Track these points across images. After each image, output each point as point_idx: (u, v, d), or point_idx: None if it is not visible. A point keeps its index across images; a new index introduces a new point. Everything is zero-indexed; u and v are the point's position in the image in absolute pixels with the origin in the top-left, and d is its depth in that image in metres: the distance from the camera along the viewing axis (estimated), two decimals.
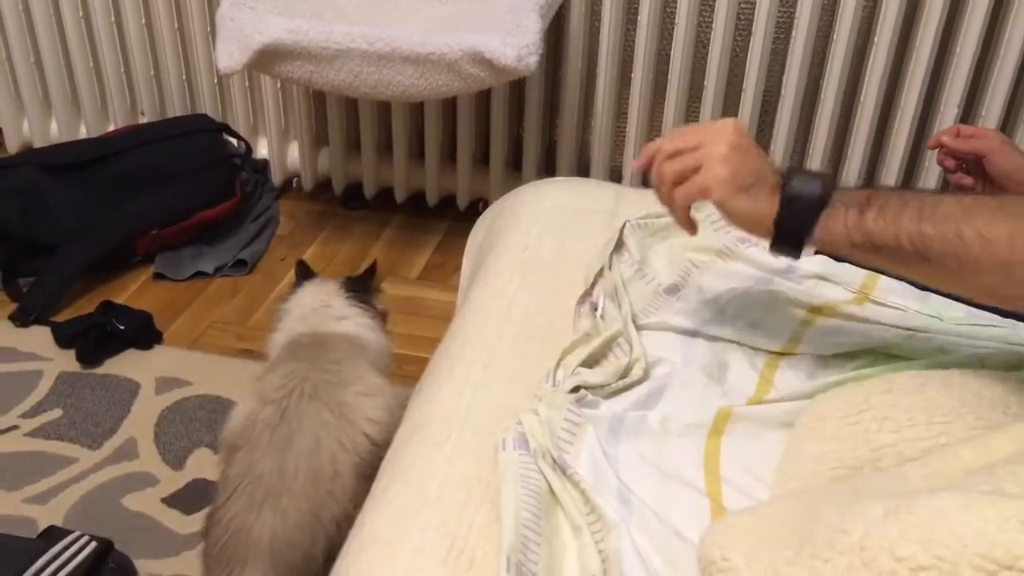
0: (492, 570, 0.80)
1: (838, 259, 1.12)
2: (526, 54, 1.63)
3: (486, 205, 2.24)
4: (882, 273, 1.14)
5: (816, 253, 1.02)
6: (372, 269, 1.50)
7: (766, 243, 1.22)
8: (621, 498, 0.87)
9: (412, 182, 2.30)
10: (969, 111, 1.99)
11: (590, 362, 1.04)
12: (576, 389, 0.98)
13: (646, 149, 1.01)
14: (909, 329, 1.08)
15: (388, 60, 1.68)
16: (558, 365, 1.03)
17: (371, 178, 2.31)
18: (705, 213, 1.31)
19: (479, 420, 0.98)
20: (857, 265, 1.07)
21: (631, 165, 1.04)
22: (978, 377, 0.95)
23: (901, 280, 1.06)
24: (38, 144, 2.40)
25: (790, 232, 0.91)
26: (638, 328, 1.10)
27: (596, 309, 1.11)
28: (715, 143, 0.94)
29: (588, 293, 1.14)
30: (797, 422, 0.96)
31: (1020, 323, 1.09)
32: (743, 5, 1.97)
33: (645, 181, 2.19)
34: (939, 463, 0.85)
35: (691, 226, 1.01)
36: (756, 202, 0.92)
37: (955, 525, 0.66)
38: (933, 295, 1.14)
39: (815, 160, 2.05)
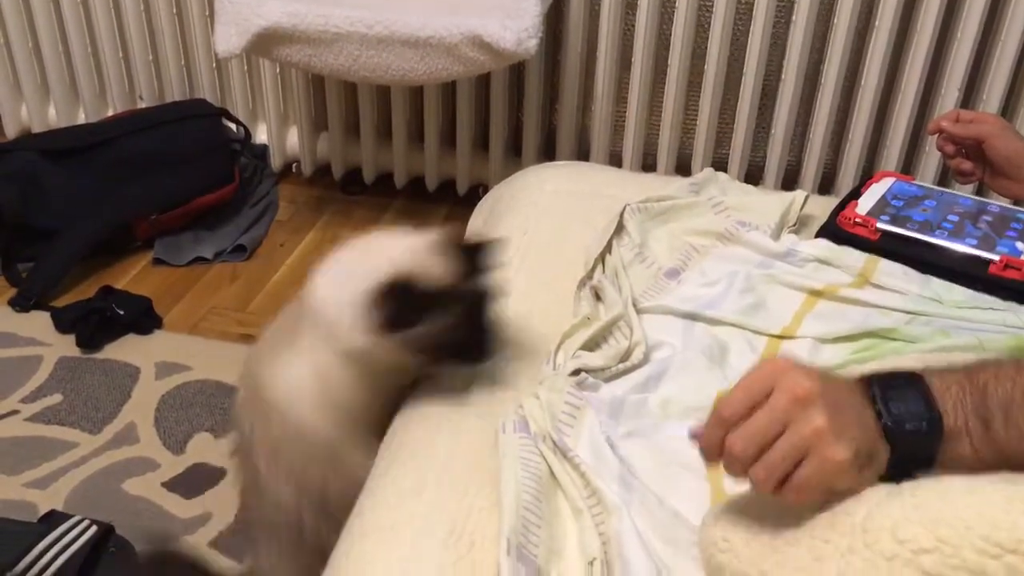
0: (492, 553, 0.80)
1: None
2: (526, 37, 1.62)
3: (486, 190, 2.23)
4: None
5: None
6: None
7: (766, 230, 1.22)
8: (622, 481, 0.87)
9: (412, 167, 2.30)
10: (970, 95, 1.98)
11: (590, 345, 1.03)
12: (577, 372, 0.98)
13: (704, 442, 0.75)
14: (910, 312, 1.08)
15: (387, 44, 1.67)
16: (558, 348, 1.03)
17: (370, 163, 2.30)
18: (707, 195, 1.32)
19: (479, 403, 0.98)
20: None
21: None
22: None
23: None
24: (36, 129, 2.39)
25: (911, 466, 0.72)
26: (638, 312, 1.10)
27: (596, 293, 1.11)
28: (798, 405, 0.70)
29: (588, 277, 1.14)
30: None
31: (1020, 306, 1.09)
32: None
33: (645, 165, 2.19)
34: None
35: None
36: (877, 468, 0.72)
37: (959, 507, 0.66)
38: (934, 279, 1.14)
39: (815, 144, 2.05)
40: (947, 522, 0.65)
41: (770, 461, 0.70)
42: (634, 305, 1.10)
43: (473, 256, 1.02)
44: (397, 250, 1.01)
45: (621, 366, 1.01)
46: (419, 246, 1.01)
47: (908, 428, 0.71)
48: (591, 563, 0.80)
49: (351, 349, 0.99)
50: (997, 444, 0.71)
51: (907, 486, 0.69)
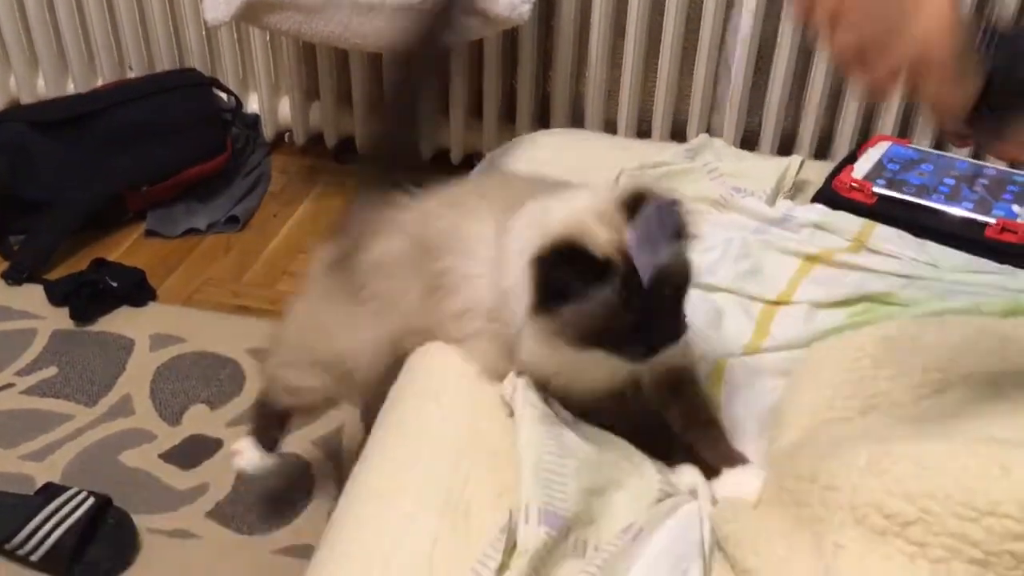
0: (489, 519, 0.80)
1: None
2: (519, 2, 1.61)
3: (480, 158, 2.21)
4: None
5: None
6: None
7: (761, 196, 1.21)
8: None
9: None
10: None
11: None
12: None
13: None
14: (906, 276, 1.08)
15: (378, 10, 1.65)
16: None
17: (364, 132, 2.28)
18: (703, 161, 1.31)
19: (472, 373, 0.98)
20: None
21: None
22: (974, 324, 0.95)
23: None
24: (25, 100, 2.36)
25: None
26: None
27: None
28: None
29: None
30: (794, 370, 0.96)
31: (1016, 269, 1.08)
32: None
33: (640, 132, 2.17)
34: (935, 407, 0.86)
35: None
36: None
37: (936, 475, 0.67)
38: (930, 243, 1.14)
39: (811, 109, 2.03)
40: (928, 493, 0.67)
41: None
42: None
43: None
44: (562, 212, 0.86)
45: None
46: (588, 207, 0.85)
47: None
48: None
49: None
50: None
51: (884, 454, 0.70)
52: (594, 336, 0.83)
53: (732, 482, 0.86)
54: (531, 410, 0.86)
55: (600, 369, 0.86)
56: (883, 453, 0.72)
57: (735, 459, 0.87)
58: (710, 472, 0.87)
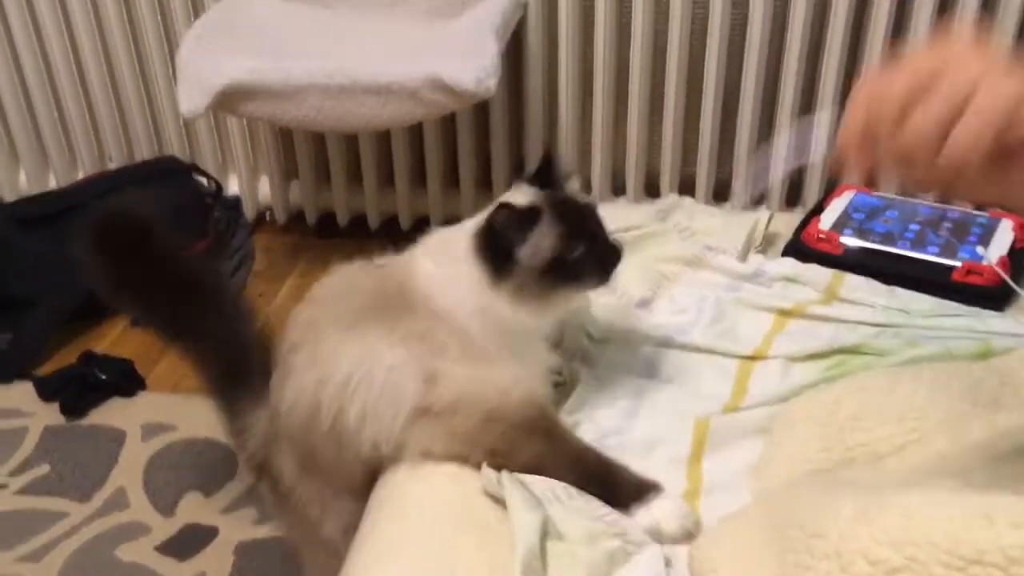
0: None
1: None
2: (485, 77, 1.64)
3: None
4: None
5: None
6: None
7: (733, 252, 1.23)
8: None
9: (384, 207, 2.31)
10: None
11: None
12: None
13: (848, 140, 0.66)
14: (878, 325, 1.10)
15: (349, 92, 1.69)
16: None
17: (343, 206, 2.31)
18: (673, 222, 1.34)
19: None
20: None
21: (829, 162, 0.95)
22: (946, 370, 0.96)
23: None
24: (8, 197, 2.40)
25: None
26: (609, 340, 1.12)
27: None
28: (963, 57, 0.62)
29: None
30: (772, 426, 0.98)
31: (985, 311, 1.11)
32: (696, 10, 1.99)
33: (615, 187, 2.21)
34: (913, 457, 0.87)
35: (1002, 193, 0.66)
36: None
37: (922, 524, 0.68)
38: (899, 289, 1.16)
39: (779, 158, 2.07)
40: (914, 541, 0.67)
41: (934, 108, 0.60)
42: (591, 337, 1.11)
43: (545, 179, 1.03)
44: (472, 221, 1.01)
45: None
46: (504, 198, 1.00)
47: None
48: None
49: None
50: None
51: (872, 504, 0.71)
52: (555, 268, 0.97)
53: (650, 517, 0.88)
54: (519, 493, 0.87)
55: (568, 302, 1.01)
56: (869, 502, 0.74)
57: (645, 490, 0.90)
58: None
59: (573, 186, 1.06)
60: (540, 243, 0.97)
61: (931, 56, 0.62)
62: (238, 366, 1.13)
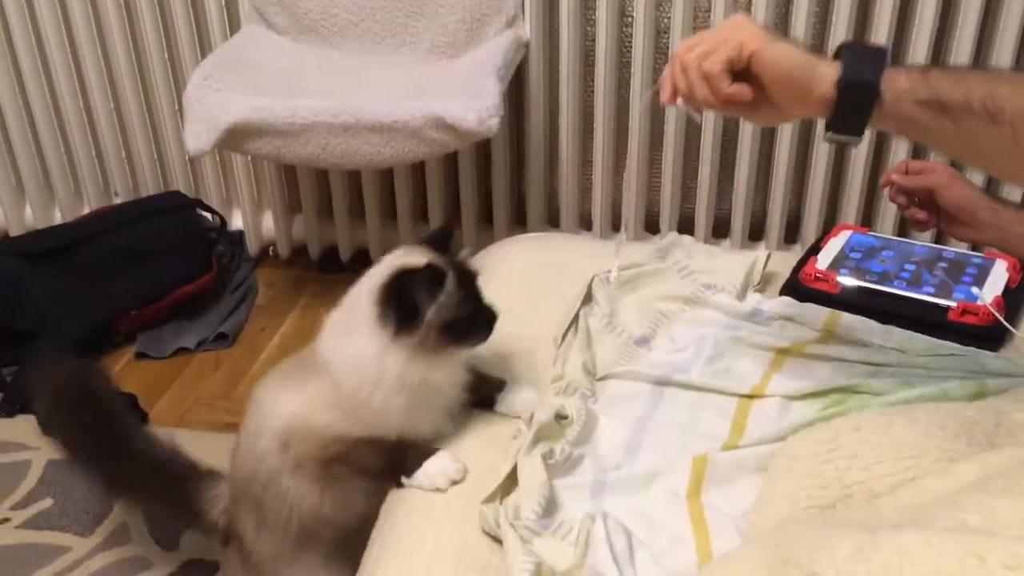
0: None
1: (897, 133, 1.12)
2: (487, 117, 1.67)
3: None
4: (935, 148, 1.05)
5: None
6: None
7: (731, 291, 1.25)
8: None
9: (386, 243, 2.33)
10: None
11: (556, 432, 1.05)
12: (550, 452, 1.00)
13: (663, 77, 0.97)
14: (874, 365, 1.11)
15: (354, 131, 1.72)
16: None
17: (346, 241, 2.34)
18: (673, 260, 1.36)
19: (462, 487, 1.01)
20: (912, 138, 0.98)
21: (658, 96, 0.98)
22: (941, 410, 0.98)
23: (950, 151, 0.98)
24: (14, 231, 2.42)
25: (858, 86, 0.86)
26: (609, 377, 1.14)
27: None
28: (730, 23, 0.92)
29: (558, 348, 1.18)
30: (770, 464, 0.99)
31: (980, 351, 1.12)
32: None
33: (615, 224, 2.23)
34: (909, 495, 0.88)
35: (729, 105, 0.94)
36: (801, 55, 0.89)
37: (917, 563, 0.69)
38: (896, 328, 1.18)
39: (777, 196, 2.10)
40: None
41: (698, 49, 0.92)
42: (591, 373, 1.13)
43: (440, 246, 1.14)
44: (378, 273, 1.09)
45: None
46: (397, 258, 1.10)
47: (848, 43, 0.89)
48: None
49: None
50: (931, 86, 0.84)
51: (867, 543, 0.72)
52: (450, 328, 1.05)
53: (506, 403, 1.10)
54: (514, 534, 0.88)
55: (449, 371, 1.09)
56: (865, 541, 0.75)
57: (500, 383, 1.12)
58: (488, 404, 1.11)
59: (465, 255, 1.17)
60: (446, 303, 1.05)
61: (709, 32, 0.94)
62: (176, 481, 1.34)
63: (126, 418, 1.41)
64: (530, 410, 1.06)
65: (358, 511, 1.15)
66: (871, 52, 0.88)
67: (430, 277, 1.04)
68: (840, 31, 1.92)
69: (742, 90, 0.92)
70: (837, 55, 0.89)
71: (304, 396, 1.12)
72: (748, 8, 1.96)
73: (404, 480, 1.06)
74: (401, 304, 1.04)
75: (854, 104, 0.87)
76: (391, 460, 1.08)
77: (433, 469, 1.04)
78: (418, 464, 1.05)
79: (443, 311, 1.05)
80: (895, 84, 0.86)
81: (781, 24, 1.98)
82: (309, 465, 1.13)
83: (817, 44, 1.98)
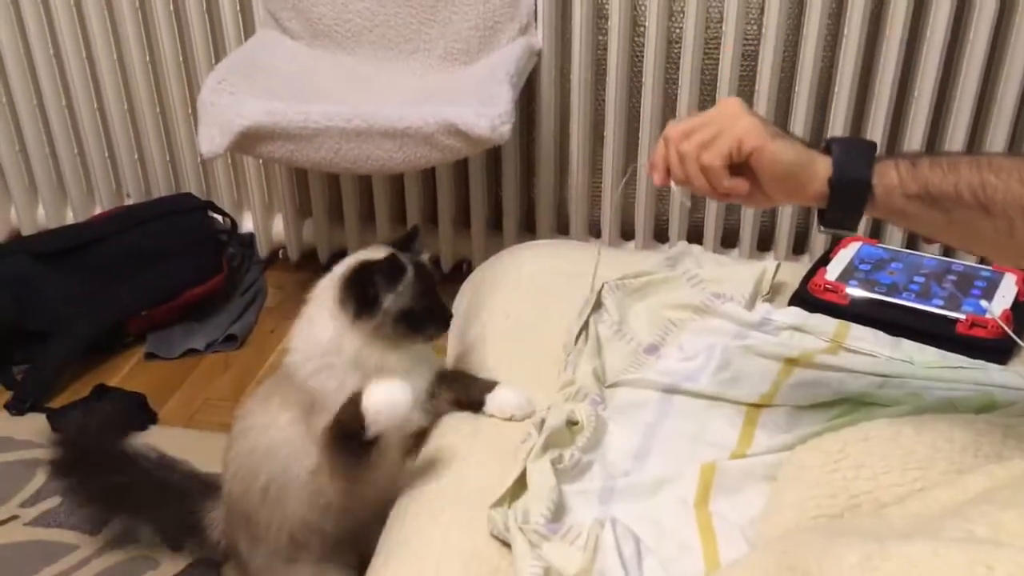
0: None
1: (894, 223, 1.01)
2: (499, 124, 1.68)
3: (470, 266, 2.28)
4: (928, 239, 1.07)
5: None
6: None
7: (740, 301, 1.25)
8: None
9: None
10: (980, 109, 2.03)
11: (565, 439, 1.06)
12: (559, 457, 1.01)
13: (654, 158, 0.96)
14: (883, 376, 1.12)
15: (366, 136, 1.73)
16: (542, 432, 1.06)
17: (356, 245, 2.34)
18: (682, 269, 1.36)
19: (471, 492, 1.01)
20: (906, 227, 0.98)
21: (650, 177, 0.99)
22: (950, 422, 0.98)
23: (945, 240, 0.95)
24: (26, 231, 2.44)
25: (850, 184, 0.87)
26: (618, 384, 1.14)
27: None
28: (724, 111, 0.92)
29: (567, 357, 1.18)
30: (778, 473, 0.99)
31: (988, 364, 1.13)
32: (707, 62, 2.03)
33: (624, 233, 2.24)
34: (917, 506, 0.89)
35: (728, 196, 0.94)
36: (797, 151, 0.89)
37: (925, 573, 0.69)
38: (904, 340, 1.18)
39: (786, 207, 2.10)
40: None
41: (695, 139, 0.91)
42: (602, 381, 1.14)
43: (406, 246, 1.23)
44: (342, 266, 1.19)
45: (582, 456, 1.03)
46: (361, 254, 1.20)
47: (837, 139, 0.90)
48: None
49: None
50: (921, 179, 0.85)
51: (875, 552, 0.72)
52: (406, 318, 1.14)
53: (496, 404, 1.13)
54: (523, 538, 0.89)
55: (407, 361, 1.15)
56: (873, 550, 0.75)
57: (489, 384, 1.15)
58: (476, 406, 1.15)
59: (426, 259, 1.25)
60: (403, 294, 1.15)
61: (704, 112, 0.93)
62: (180, 504, 1.43)
63: (136, 458, 1.51)
64: (513, 412, 1.12)
65: (346, 520, 1.22)
66: (861, 147, 0.89)
67: (390, 268, 1.14)
68: (846, 83, 1.93)
69: (740, 186, 0.92)
70: (827, 149, 0.90)
71: (285, 411, 1.19)
72: (759, 20, 1.97)
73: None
74: (362, 291, 1.12)
75: (847, 201, 0.88)
76: (348, 417, 1.10)
77: (503, 399, 1.14)
78: (486, 389, 1.15)
79: (400, 301, 1.14)
80: (885, 180, 0.86)
81: (788, 80, 1.99)
82: (298, 477, 1.19)
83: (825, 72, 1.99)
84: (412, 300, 1.15)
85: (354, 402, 1.07)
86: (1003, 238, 0.83)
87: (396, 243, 1.23)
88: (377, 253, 1.19)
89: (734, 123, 0.90)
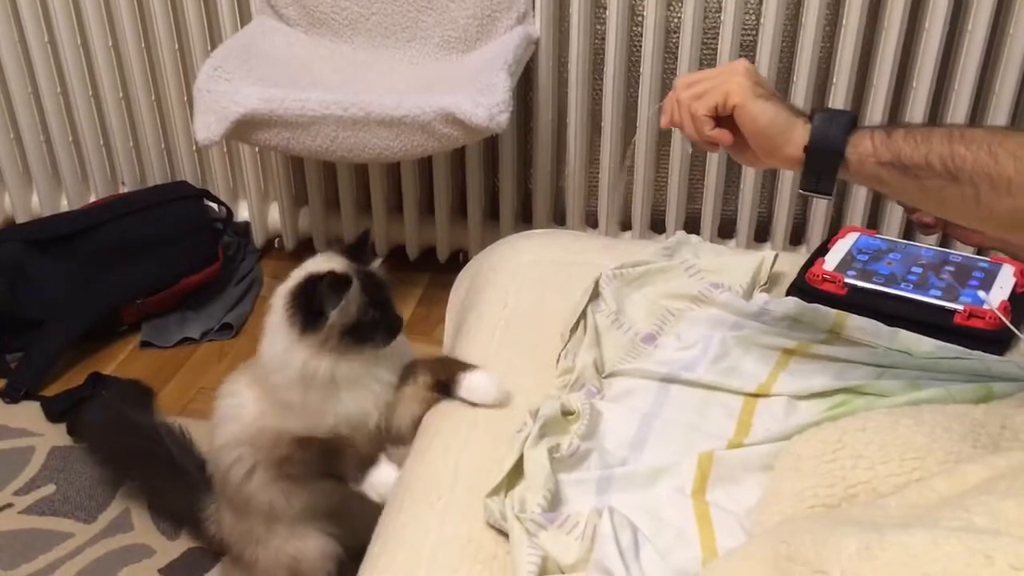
0: None
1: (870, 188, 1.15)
2: (497, 112, 1.67)
3: (466, 256, 2.27)
4: (902, 203, 1.12)
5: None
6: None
7: (738, 291, 1.25)
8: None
9: (392, 236, 2.34)
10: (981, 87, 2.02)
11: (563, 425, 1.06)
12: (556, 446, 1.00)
13: (665, 101, 1.06)
14: (880, 366, 1.11)
15: (363, 124, 1.72)
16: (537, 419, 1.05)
17: (351, 235, 2.34)
18: (680, 259, 1.36)
19: (467, 479, 1.01)
20: (882, 192, 1.02)
21: (660, 119, 1.08)
22: (947, 412, 0.98)
23: (918, 205, 1.01)
24: (20, 218, 2.42)
25: (824, 151, 0.93)
26: (615, 374, 1.14)
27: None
28: (729, 68, 1.00)
29: (564, 349, 1.18)
30: (775, 463, 0.99)
31: (986, 355, 1.12)
32: (705, 52, 2.02)
33: (621, 223, 2.24)
34: (915, 496, 0.89)
35: (711, 144, 1.02)
36: (778, 114, 0.96)
37: (924, 563, 0.69)
38: (902, 331, 1.18)
39: (784, 198, 2.10)
40: None
41: (694, 89, 1.00)
42: (599, 371, 1.14)
43: (356, 253, 1.26)
44: (293, 277, 1.23)
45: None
46: (312, 264, 1.24)
47: (821, 111, 0.94)
48: None
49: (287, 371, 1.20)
50: (894, 148, 0.89)
51: (873, 541, 0.72)
52: (352, 331, 1.17)
53: (467, 386, 1.13)
54: (520, 527, 0.89)
55: (359, 368, 1.20)
56: (872, 539, 0.75)
57: (466, 366, 1.16)
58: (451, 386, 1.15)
59: (378, 265, 1.28)
60: (348, 307, 1.17)
61: (715, 69, 1.02)
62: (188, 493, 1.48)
63: (161, 431, 1.57)
64: (483, 398, 1.13)
65: (316, 507, 1.31)
66: (841, 118, 0.94)
67: (334, 283, 1.16)
68: (844, 72, 1.93)
69: (722, 136, 1.00)
70: (812, 116, 0.96)
71: (254, 398, 1.27)
72: (757, 9, 1.96)
73: (354, 487, 1.19)
74: (307, 305, 1.17)
75: (820, 167, 0.94)
76: (326, 459, 1.22)
77: (377, 480, 1.17)
78: (361, 471, 1.18)
79: (345, 314, 1.17)
80: (859, 148, 0.92)
81: (787, 68, 1.98)
82: (263, 464, 1.27)
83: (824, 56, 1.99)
84: (359, 312, 1.18)
85: (335, 454, 1.21)
86: (970, 205, 0.87)
87: (347, 250, 1.26)
88: (326, 263, 1.22)
89: (728, 79, 0.98)
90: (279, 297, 1.22)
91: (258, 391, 1.28)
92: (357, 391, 1.21)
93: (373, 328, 1.19)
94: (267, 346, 1.23)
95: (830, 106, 2.01)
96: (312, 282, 1.17)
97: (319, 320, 1.16)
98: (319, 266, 1.22)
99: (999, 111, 1.94)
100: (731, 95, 0.97)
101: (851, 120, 0.93)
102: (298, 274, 1.23)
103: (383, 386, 1.22)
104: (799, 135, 0.95)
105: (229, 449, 1.30)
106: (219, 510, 1.42)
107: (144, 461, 1.56)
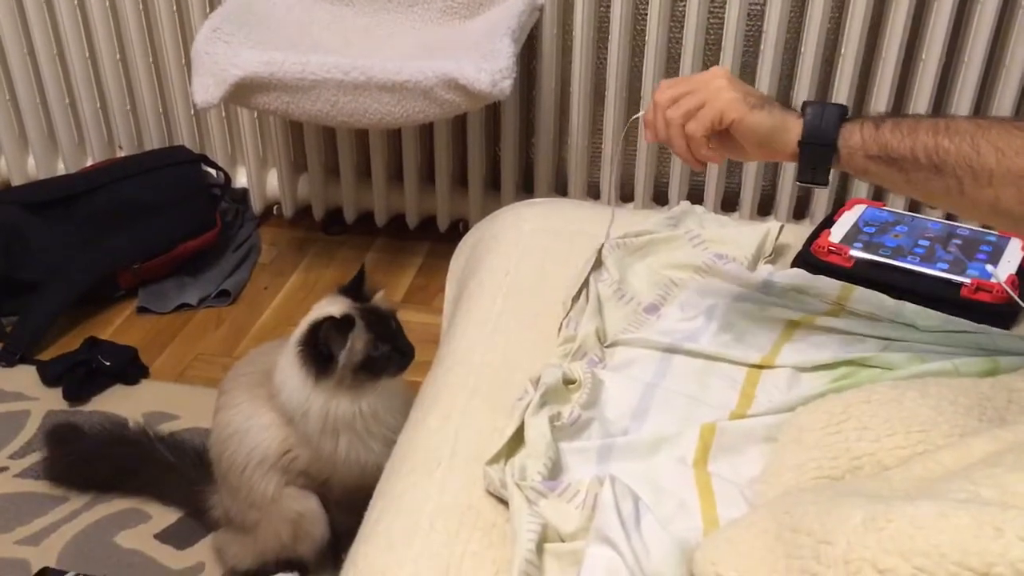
0: None
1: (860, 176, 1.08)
2: (500, 79, 1.65)
3: (466, 226, 2.25)
4: (893, 190, 1.13)
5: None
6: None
7: (743, 262, 1.24)
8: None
9: (392, 205, 2.32)
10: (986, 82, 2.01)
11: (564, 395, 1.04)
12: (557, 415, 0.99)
13: (647, 116, 1.04)
14: (885, 339, 1.10)
15: (364, 89, 1.69)
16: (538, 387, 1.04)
17: (351, 203, 2.32)
18: (684, 229, 1.34)
19: (467, 447, 1.00)
20: (872, 182, 1.07)
21: (645, 137, 1.05)
22: (953, 385, 0.97)
23: (905, 195, 1.07)
24: (16, 181, 2.40)
25: (818, 144, 0.95)
26: (618, 344, 1.13)
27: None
28: (711, 81, 0.98)
29: (567, 318, 1.16)
30: (779, 435, 0.98)
31: (993, 329, 1.11)
32: (711, 20, 2.00)
33: (623, 195, 2.22)
34: (920, 468, 0.88)
35: (702, 165, 1.03)
36: (774, 118, 0.96)
37: (931, 534, 0.68)
38: (908, 304, 1.17)
39: (788, 170, 2.09)
40: (922, 551, 0.68)
41: (681, 108, 0.98)
42: (602, 341, 1.12)
43: (355, 291, 1.32)
44: (304, 323, 1.29)
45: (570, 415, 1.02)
46: (317, 310, 1.30)
47: (813, 104, 0.95)
48: None
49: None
50: (882, 141, 0.91)
51: (879, 512, 0.71)
52: (365, 367, 1.26)
53: None
54: (520, 495, 0.88)
55: (375, 399, 1.29)
56: (878, 511, 0.74)
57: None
58: None
59: (379, 297, 1.34)
60: (354, 346, 1.25)
61: (692, 78, 1.00)
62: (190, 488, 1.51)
63: (140, 443, 1.59)
64: None
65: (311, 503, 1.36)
66: (831, 111, 0.95)
67: (336, 325, 1.24)
68: (851, 50, 1.90)
69: (716, 157, 1.01)
70: (803, 110, 0.97)
71: (276, 423, 1.32)
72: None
73: None
74: (316, 352, 1.24)
75: (814, 161, 0.96)
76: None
77: None
78: None
79: (353, 353, 1.25)
80: (849, 141, 0.93)
81: (793, 42, 1.96)
82: (294, 484, 1.35)
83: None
84: (366, 348, 1.25)
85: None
86: (954, 196, 0.89)
87: (346, 289, 1.33)
88: (330, 307, 1.29)
89: (717, 96, 0.97)
90: (291, 346, 1.28)
91: (277, 416, 1.32)
92: (375, 421, 1.31)
93: (385, 360, 1.27)
94: (289, 384, 1.28)
95: (832, 97, 2.00)
96: (315, 329, 1.24)
97: (330, 364, 1.24)
98: (321, 311, 1.29)
99: (1002, 112, 1.92)
100: (726, 112, 0.96)
101: (841, 113, 0.95)
102: (306, 320, 1.30)
103: (399, 400, 1.31)
104: (794, 131, 0.96)
105: (259, 472, 1.34)
106: (221, 495, 1.44)
107: (136, 474, 1.57)
